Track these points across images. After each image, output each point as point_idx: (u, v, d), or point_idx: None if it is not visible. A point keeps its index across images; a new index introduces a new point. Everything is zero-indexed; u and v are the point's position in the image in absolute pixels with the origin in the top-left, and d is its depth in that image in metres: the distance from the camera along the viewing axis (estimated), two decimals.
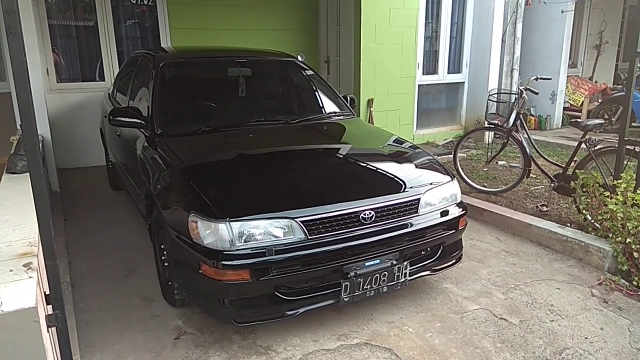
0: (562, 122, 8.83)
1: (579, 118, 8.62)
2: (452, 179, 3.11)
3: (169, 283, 2.98)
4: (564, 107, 8.85)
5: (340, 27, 7.13)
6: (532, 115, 8.77)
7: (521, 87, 4.69)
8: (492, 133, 7.02)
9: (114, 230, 4.28)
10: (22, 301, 1.64)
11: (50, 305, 1.94)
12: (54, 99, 5.92)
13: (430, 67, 7.56)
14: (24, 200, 2.84)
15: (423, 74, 7.39)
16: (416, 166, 3.18)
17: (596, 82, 9.60)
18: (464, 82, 7.83)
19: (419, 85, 7.30)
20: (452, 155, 5.44)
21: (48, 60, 5.89)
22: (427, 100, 7.62)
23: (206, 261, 2.41)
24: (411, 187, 2.88)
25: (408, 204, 2.80)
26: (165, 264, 3.01)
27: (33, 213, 2.56)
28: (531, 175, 4.92)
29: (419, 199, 2.84)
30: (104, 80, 6.27)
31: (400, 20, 6.75)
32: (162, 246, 3.05)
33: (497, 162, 5.95)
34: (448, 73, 7.70)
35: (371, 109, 6.82)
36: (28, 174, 3.50)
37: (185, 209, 2.57)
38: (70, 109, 6.12)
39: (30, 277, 1.81)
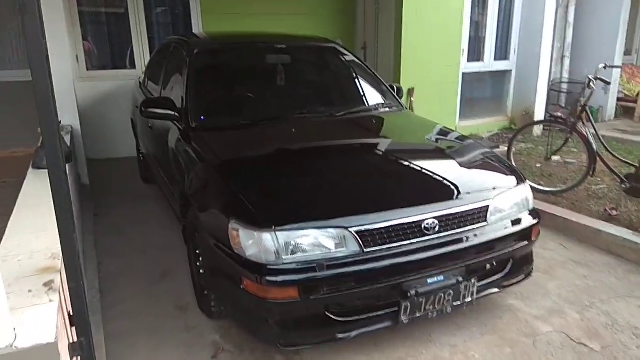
0: (615, 114, 8.22)
1: (635, 110, 8.03)
2: (524, 182, 2.73)
3: (205, 292, 2.71)
4: (617, 98, 8.23)
5: (379, 11, 6.70)
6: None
7: (590, 76, 4.22)
8: (541, 126, 6.54)
9: (146, 227, 4.05)
10: (40, 334, 1.38)
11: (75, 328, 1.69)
12: (83, 87, 5.73)
13: (475, 53, 7.08)
14: (50, 199, 2.61)
15: (468, 61, 6.92)
16: (483, 167, 2.81)
17: None
18: (511, 70, 7.32)
19: (463, 73, 6.82)
20: (500, 149, 5.01)
21: (78, 46, 5.69)
22: (472, 90, 7.15)
23: (248, 275, 2.12)
24: (479, 192, 2.52)
25: (476, 211, 2.44)
26: (201, 270, 2.74)
27: None
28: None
29: (487, 206, 2.48)
30: (134, 68, 6.05)
31: (445, 3, 6.28)
32: (197, 251, 2.79)
33: (550, 158, 5.49)
34: (495, 60, 7.20)
35: (412, 99, 6.41)
36: None
37: (225, 214, 2.28)
38: (101, 98, 5.93)
39: (51, 301, 1.55)
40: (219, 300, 2.54)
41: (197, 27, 6.27)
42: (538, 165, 5.42)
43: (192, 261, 2.90)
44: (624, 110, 8.32)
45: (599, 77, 4.22)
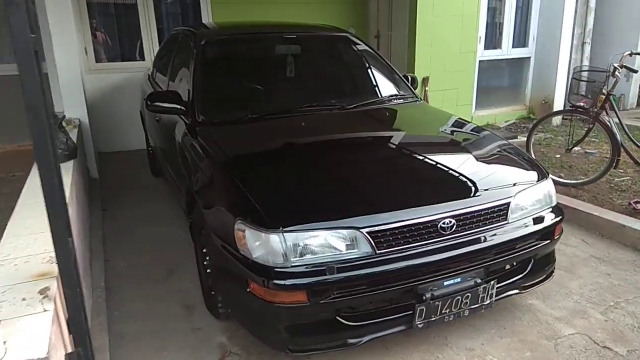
0: (637, 102, 7.94)
1: None
2: (547, 177, 2.58)
3: (212, 292, 2.63)
4: None
5: None
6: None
7: (615, 64, 4.02)
8: (561, 116, 6.32)
9: (154, 222, 3.99)
10: (31, 348, 1.30)
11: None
12: (92, 79, 5.68)
13: (492, 40, 6.86)
14: None
15: (485, 48, 6.71)
16: (503, 162, 2.67)
17: None
18: (529, 58, 7.09)
19: (479, 61, 6.61)
20: (518, 140, 4.83)
21: (86, 39, 5.62)
22: (488, 78, 6.94)
23: (255, 278, 2.03)
24: (498, 188, 2.39)
25: (495, 209, 2.31)
26: (208, 270, 2.66)
27: None
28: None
29: (508, 203, 2.34)
30: (144, 59, 5.97)
31: None
32: (204, 249, 2.70)
33: (571, 149, 5.29)
34: (513, 47, 6.97)
35: (426, 88, 6.23)
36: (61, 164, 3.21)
37: (231, 213, 2.18)
38: (110, 90, 5.87)
39: (45, 310, 1.47)
40: (225, 302, 2.46)
41: (207, 17, 6.16)
42: (557, 156, 5.24)
43: (199, 259, 2.82)
44: None
45: (624, 64, 4.02)
